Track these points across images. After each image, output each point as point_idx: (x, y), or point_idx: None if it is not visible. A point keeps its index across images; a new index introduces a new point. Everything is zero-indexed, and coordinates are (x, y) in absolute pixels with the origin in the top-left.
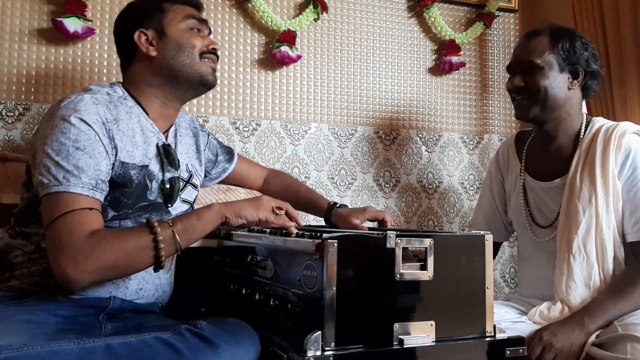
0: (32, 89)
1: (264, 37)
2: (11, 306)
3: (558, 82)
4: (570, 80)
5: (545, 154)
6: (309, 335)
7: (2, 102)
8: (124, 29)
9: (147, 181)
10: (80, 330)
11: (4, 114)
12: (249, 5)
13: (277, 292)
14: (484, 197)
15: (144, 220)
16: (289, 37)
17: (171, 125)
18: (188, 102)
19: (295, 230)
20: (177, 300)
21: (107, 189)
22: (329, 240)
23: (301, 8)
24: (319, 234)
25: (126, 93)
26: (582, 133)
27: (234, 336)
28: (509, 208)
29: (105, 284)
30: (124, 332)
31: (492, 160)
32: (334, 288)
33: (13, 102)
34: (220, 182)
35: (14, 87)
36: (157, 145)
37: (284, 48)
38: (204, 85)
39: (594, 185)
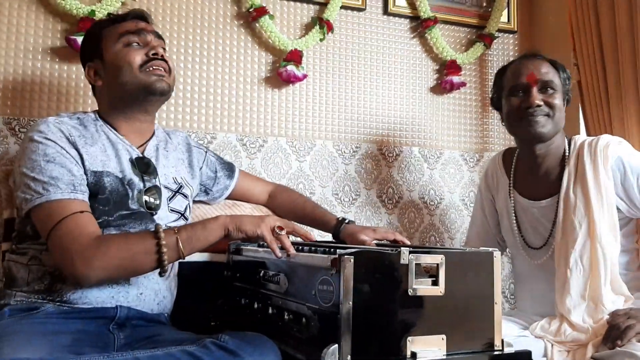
0: (46, 106)
1: (271, 56)
2: (23, 319)
3: (562, 106)
4: (565, 105)
5: (534, 174)
6: (327, 349)
7: (16, 118)
8: (82, 64)
9: (128, 190)
10: (95, 341)
11: (17, 130)
12: (257, 25)
13: (290, 306)
14: (476, 215)
15: (129, 230)
16: (296, 57)
17: (149, 140)
18: (196, 120)
19: (294, 252)
20: (186, 314)
21: (87, 191)
22: (346, 256)
23: (307, 28)
24: (332, 250)
25: (97, 116)
26: (567, 152)
27: (257, 348)
28: (502, 227)
29: (106, 288)
30: (136, 341)
31: (482, 179)
32: (350, 302)
33: (26, 118)
34: (226, 198)
35: (27, 104)
36: (130, 159)
37: (291, 67)
38: (152, 94)
39: (588, 198)
